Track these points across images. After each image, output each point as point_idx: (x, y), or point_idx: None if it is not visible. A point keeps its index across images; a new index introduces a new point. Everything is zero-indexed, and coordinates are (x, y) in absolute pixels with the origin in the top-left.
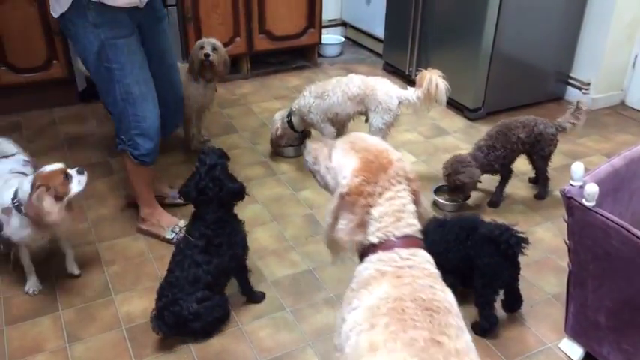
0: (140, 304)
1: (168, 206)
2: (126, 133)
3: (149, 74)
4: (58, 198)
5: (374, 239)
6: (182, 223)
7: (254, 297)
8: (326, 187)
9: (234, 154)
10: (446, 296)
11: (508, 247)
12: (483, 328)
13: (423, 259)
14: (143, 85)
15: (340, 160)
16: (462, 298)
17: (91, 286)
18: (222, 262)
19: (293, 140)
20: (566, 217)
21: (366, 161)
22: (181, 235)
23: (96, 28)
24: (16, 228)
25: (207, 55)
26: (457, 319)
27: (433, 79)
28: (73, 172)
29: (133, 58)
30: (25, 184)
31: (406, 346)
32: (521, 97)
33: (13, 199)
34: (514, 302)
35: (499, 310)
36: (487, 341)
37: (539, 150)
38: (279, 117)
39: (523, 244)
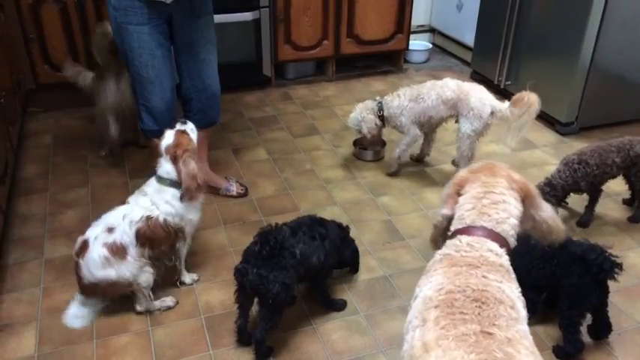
0: (219, 295)
1: (221, 197)
2: (137, 104)
3: (162, 62)
4: (192, 156)
5: (452, 227)
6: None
7: (334, 306)
8: None
9: (315, 156)
10: (500, 286)
11: (600, 271)
12: (567, 352)
13: (484, 247)
14: (151, 70)
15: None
16: (545, 320)
17: (174, 274)
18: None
19: (378, 140)
20: None
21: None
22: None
23: (114, 11)
24: (194, 214)
25: None
26: (510, 310)
27: (532, 99)
28: (181, 126)
29: (142, 44)
30: (165, 166)
31: (458, 342)
32: (618, 113)
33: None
34: (602, 328)
35: (584, 336)
36: None
37: (638, 171)
38: (362, 114)
39: (616, 270)
